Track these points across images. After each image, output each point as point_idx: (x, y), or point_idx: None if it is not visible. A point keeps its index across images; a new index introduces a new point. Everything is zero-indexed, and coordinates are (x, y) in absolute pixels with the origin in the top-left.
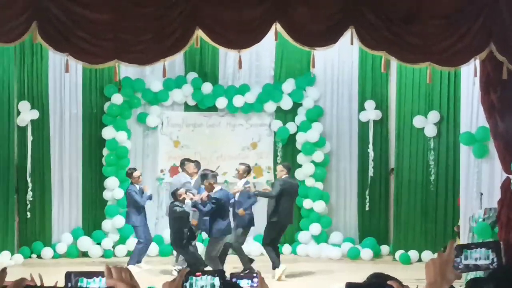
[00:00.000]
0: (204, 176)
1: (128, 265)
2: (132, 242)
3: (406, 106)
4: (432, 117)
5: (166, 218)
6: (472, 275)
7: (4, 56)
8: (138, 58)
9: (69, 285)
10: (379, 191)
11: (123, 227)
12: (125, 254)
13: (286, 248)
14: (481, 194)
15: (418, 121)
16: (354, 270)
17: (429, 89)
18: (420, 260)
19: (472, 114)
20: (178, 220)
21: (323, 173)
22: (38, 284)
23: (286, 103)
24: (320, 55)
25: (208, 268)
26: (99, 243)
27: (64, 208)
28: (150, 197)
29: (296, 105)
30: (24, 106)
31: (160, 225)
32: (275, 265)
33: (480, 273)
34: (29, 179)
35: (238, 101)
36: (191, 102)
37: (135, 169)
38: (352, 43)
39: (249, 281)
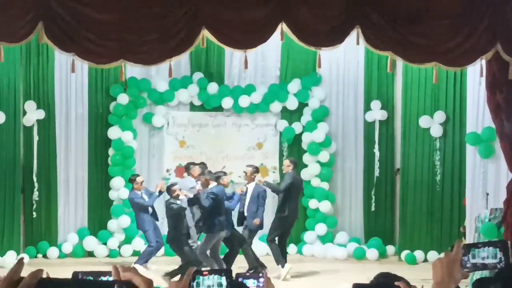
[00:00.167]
0: (217, 178)
1: (135, 264)
2: (137, 242)
3: (412, 106)
4: (438, 117)
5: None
6: (478, 275)
7: (10, 56)
8: (143, 58)
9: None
10: (384, 191)
11: (129, 227)
12: (131, 254)
13: (292, 248)
14: (487, 194)
15: (424, 121)
16: (360, 270)
17: (435, 89)
18: (425, 260)
19: (478, 114)
20: (175, 217)
21: (328, 173)
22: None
23: (292, 103)
24: (326, 55)
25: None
26: (105, 243)
27: (70, 208)
28: (160, 193)
29: (302, 105)
30: (30, 106)
31: (165, 225)
32: (280, 263)
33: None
34: (35, 179)
35: (244, 101)
36: (197, 102)
37: (138, 175)
38: (358, 43)
39: (255, 281)
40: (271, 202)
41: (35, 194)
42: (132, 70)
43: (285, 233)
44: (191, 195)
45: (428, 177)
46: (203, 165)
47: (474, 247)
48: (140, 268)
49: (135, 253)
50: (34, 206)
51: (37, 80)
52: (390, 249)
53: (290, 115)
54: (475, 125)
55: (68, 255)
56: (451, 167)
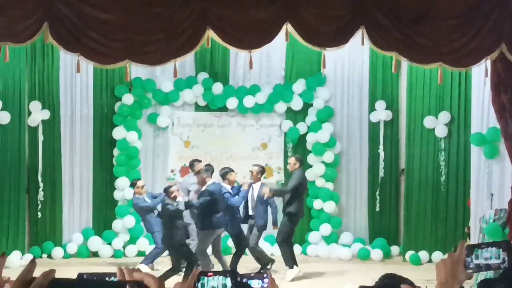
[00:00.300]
0: (224, 175)
1: (140, 264)
2: (142, 242)
3: (416, 106)
4: (443, 117)
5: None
6: (482, 275)
7: (15, 56)
8: (148, 58)
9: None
10: (389, 192)
11: (134, 227)
12: (135, 254)
13: (296, 249)
14: (492, 195)
15: (428, 122)
16: (364, 271)
17: (440, 90)
18: (430, 261)
19: (483, 115)
20: (170, 218)
21: (333, 173)
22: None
23: (297, 104)
24: (331, 55)
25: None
26: (109, 243)
27: (74, 208)
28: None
29: (307, 105)
30: (35, 106)
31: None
32: (290, 264)
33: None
34: (40, 179)
35: (249, 101)
36: (202, 103)
37: (138, 179)
38: (362, 44)
39: (260, 281)
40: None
41: (40, 194)
42: (137, 70)
43: (292, 234)
44: (188, 198)
45: (432, 177)
46: (209, 166)
47: (477, 247)
48: (145, 269)
49: (139, 253)
50: (39, 206)
51: (42, 80)
52: (395, 249)
53: (295, 116)
54: (479, 125)
55: (73, 255)
56: (456, 167)
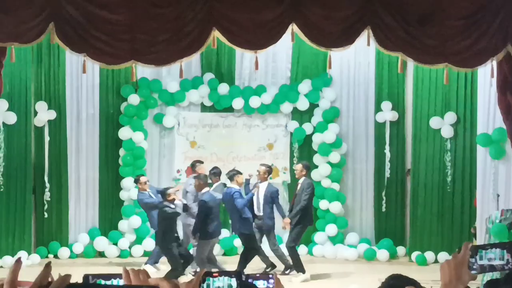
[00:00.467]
0: (232, 177)
1: (145, 264)
2: (148, 242)
3: (422, 107)
4: (449, 118)
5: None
6: (489, 276)
7: (22, 56)
8: (154, 58)
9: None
10: (395, 192)
11: (140, 228)
12: (142, 254)
13: (302, 249)
14: (498, 195)
15: (434, 122)
16: (370, 271)
17: (446, 90)
18: (436, 261)
19: (489, 115)
20: (167, 220)
21: (339, 174)
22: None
23: (303, 104)
24: (337, 56)
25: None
26: (115, 243)
27: (80, 208)
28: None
29: (313, 106)
30: (41, 106)
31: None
32: (300, 270)
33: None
34: (46, 179)
35: (255, 102)
36: (208, 103)
37: (141, 175)
38: (368, 44)
39: (265, 282)
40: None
41: (46, 195)
42: (143, 70)
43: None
44: (185, 201)
45: (438, 178)
46: (216, 169)
47: (481, 248)
48: (150, 269)
49: (145, 253)
50: (45, 207)
51: (48, 80)
52: (401, 250)
53: (301, 116)
54: (486, 126)
55: (79, 255)
56: (462, 168)
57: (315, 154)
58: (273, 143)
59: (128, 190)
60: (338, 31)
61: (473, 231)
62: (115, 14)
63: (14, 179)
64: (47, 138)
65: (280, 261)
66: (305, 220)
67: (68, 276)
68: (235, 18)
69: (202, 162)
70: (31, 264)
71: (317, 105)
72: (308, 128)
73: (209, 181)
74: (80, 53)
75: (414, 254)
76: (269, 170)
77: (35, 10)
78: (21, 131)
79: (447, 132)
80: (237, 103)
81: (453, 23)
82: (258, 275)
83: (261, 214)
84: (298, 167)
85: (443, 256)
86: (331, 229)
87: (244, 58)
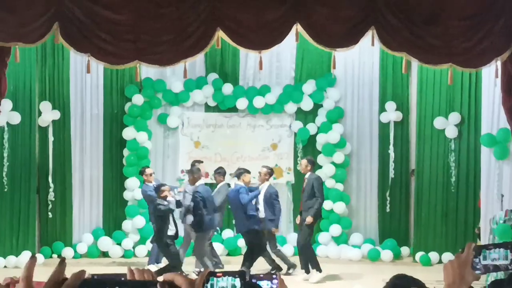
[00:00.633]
0: (239, 175)
1: (148, 265)
2: None
3: (427, 107)
4: (453, 118)
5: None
6: (492, 277)
7: (26, 56)
8: (159, 59)
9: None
10: (399, 193)
11: (144, 228)
12: (145, 254)
13: None
14: (502, 195)
15: (439, 123)
16: (374, 272)
17: (450, 91)
18: (440, 261)
19: (493, 116)
20: (161, 218)
21: (343, 174)
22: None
23: (307, 104)
24: (341, 56)
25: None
26: (119, 243)
27: (85, 208)
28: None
29: (317, 106)
30: (45, 106)
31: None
32: (317, 267)
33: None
34: (50, 180)
35: (259, 102)
36: (212, 103)
37: (147, 167)
38: (373, 44)
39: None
40: (286, 203)
41: (51, 195)
42: (147, 70)
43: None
44: (178, 197)
45: (443, 178)
46: (220, 169)
47: (485, 248)
48: (153, 269)
49: (149, 253)
50: (49, 207)
51: (53, 80)
52: (405, 250)
53: (305, 116)
54: (490, 126)
55: (83, 255)
56: (466, 168)
57: (319, 155)
58: (277, 143)
59: (132, 190)
60: (342, 31)
61: (477, 231)
62: (119, 14)
63: (18, 179)
64: (51, 138)
65: (283, 262)
66: (319, 218)
67: (83, 272)
68: (239, 18)
69: (201, 162)
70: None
71: (321, 105)
72: (312, 128)
73: (214, 181)
74: (84, 53)
75: (418, 255)
76: (271, 172)
77: (39, 10)
78: (25, 131)
79: (451, 132)
80: (241, 103)
81: (457, 23)
82: (262, 275)
83: (263, 216)
84: (303, 162)
85: (447, 256)
86: (335, 229)
87: (248, 58)
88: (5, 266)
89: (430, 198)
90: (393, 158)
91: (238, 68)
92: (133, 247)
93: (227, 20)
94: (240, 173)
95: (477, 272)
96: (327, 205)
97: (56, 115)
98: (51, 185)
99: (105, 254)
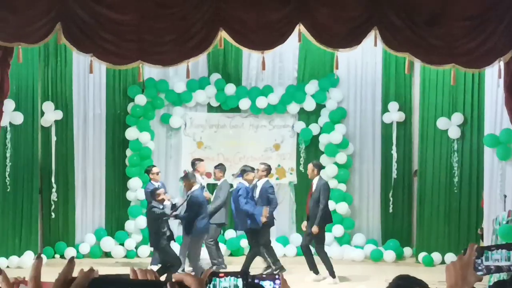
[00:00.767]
0: (243, 172)
1: (151, 265)
2: None
3: (429, 108)
4: (456, 119)
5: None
6: (496, 277)
7: (29, 57)
8: (161, 59)
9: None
10: (402, 193)
11: (146, 228)
12: (148, 254)
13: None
14: (505, 196)
15: (441, 123)
16: (377, 272)
17: (453, 91)
18: (443, 262)
19: (496, 116)
20: (156, 222)
21: (346, 174)
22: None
23: (309, 105)
24: (344, 56)
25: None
26: (122, 244)
27: (87, 209)
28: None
29: (319, 106)
30: (48, 106)
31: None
32: (333, 273)
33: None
34: (53, 180)
35: (261, 102)
36: (214, 103)
37: (153, 166)
38: (375, 45)
39: (272, 282)
40: (289, 203)
41: (53, 195)
42: (150, 71)
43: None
44: (174, 201)
45: (445, 178)
46: (221, 166)
47: (487, 249)
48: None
49: (152, 254)
50: (52, 207)
51: (55, 81)
52: (408, 251)
53: (308, 116)
54: (493, 127)
55: (86, 255)
56: (469, 169)
57: (322, 155)
58: (279, 144)
59: (135, 191)
60: (345, 32)
61: (480, 232)
62: (122, 14)
63: (21, 179)
64: (54, 138)
65: (263, 258)
66: (324, 220)
67: (92, 271)
68: (242, 19)
69: (202, 160)
70: None
71: (324, 106)
72: (315, 128)
73: (213, 176)
74: (87, 53)
75: (421, 255)
76: (268, 169)
77: (42, 10)
78: (28, 131)
79: (454, 133)
80: (244, 103)
81: (460, 24)
82: (264, 275)
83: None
84: (309, 167)
85: (450, 257)
86: (338, 229)
87: (251, 58)
88: (7, 266)
89: (433, 199)
90: (395, 159)
91: (241, 69)
92: (136, 248)
93: (230, 21)
94: (244, 170)
95: (479, 273)
96: (330, 205)
97: (59, 115)
98: (54, 185)
99: (107, 255)
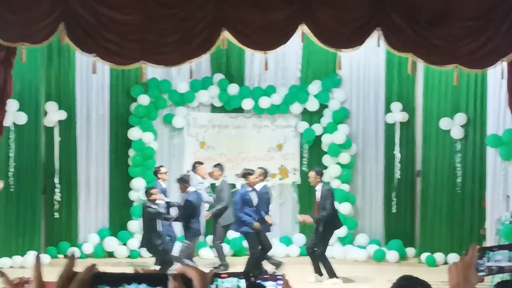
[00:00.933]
0: (245, 174)
1: (154, 265)
2: None
3: (432, 108)
4: (459, 119)
5: None
6: (498, 278)
7: (32, 57)
8: (164, 59)
9: None
10: (405, 193)
11: None
12: (151, 254)
13: None
14: (508, 196)
15: (444, 123)
16: (380, 272)
17: (456, 91)
18: (446, 262)
19: (499, 117)
20: (150, 221)
21: (349, 175)
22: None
23: (312, 105)
24: (347, 56)
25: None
26: (125, 244)
27: (90, 209)
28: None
29: (322, 106)
30: (51, 106)
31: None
32: (334, 274)
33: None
34: (56, 180)
35: (264, 102)
36: (217, 103)
37: (161, 166)
38: (378, 45)
39: (274, 283)
40: (292, 203)
41: (57, 195)
42: (153, 71)
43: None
44: (167, 200)
45: (448, 179)
46: (220, 166)
47: (489, 250)
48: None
49: None
50: (56, 207)
51: (59, 81)
52: (410, 251)
53: (311, 117)
54: (496, 127)
55: (89, 255)
56: (472, 169)
57: (325, 155)
58: (282, 144)
59: (138, 191)
60: (348, 32)
61: (483, 232)
62: (125, 14)
63: (24, 179)
64: (57, 139)
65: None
66: (329, 226)
67: (94, 267)
68: (245, 19)
69: (202, 163)
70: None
71: (327, 106)
72: (317, 129)
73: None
74: (90, 54)
75: (424, 255)
76: (264, 172)
77: (45, 10)
78: (31, 131)
79: (457, 133)
80: (247, 103)
81: (463, 24)
82: (266, 276)
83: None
84: (312, 174)
85: (453, 257)
86: (341, 230)
87: (254, 58)
88: (11, 266)
89: (436, 199)
90: (398, 159)
91: (244, 69)
92: (139, 248)
93: (233, 21)
94: (245, 173)
95: (481, 273)
96: None
97: (62, 115)
98: (57, 185)
99: (110, 254)
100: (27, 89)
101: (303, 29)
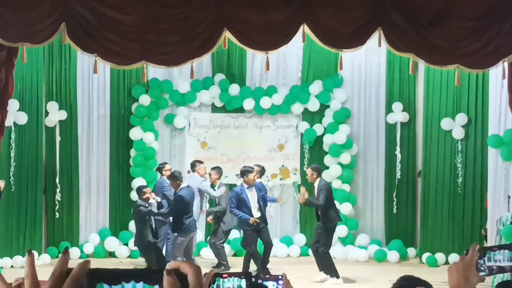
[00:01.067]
0: (244, 172)
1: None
2: None
3: (433, 108)
4: (460, 119)
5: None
6: (500, 278)
7: (33, 57)
8: (165, 59)
9: None
10: (406, 194)
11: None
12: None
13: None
14: (509, 197)
15: (445, 124)
16: (381, 273)
17: (457, 92)
18: (447, 263)
19: (500, 117)
20: (142, 220)
21: (350, 175)
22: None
23: (313, 105)
24: (348, 57)
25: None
26: (126, 244)
27: (91, 209)
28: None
29: (323, 106)
30: (52, 106)
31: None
32: (336, 274)
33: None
34: (57, 180)
35: (265, 102)
36: (219, 104)
37: (166, 163)
38: (379, 45)
39: (275, 283)
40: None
41: (57, 195)
42: (154, 71)
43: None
44: (159, 199)
45: (449, 179)
46: (218, 169)
47: (489, 250)
48: None
49: None
50: (56, 207)
51: (60, 81)
52: (411, 251)
53: (312, 117)
54: (497, 127)
55: (90, 255)
56: (473, 169)
57: (326, 155)
58: (283, 144)
59: None
60: (349, 32)
61: (484, 232)
62: (126, 14)
63: (25, 179)
64: (58, 139)
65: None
66: (328, 222)
67: (88, 262)
68: (246, 19)
69: (202, 162)
70: (41, 264)
71: (328, 106)
72: (319, 129)
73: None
74: (91, 54)
75: (425, 256)
76: (261, 170)
77: (46, 10)
78: (32, 131)
79: (458, 133)
80: (248, 103)
81: (464, 24)
82: (267, 276)
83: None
84: (308, 172)
85: (454, 257)
86: (342, 230)
87: (255, 58)
88: (11, 266)
89: (437, 199)
90: (399, 159)
91: (245, 69)
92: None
93: (234, 21)
94: (246, 171)
95: (482, 273)
96: None
97: (63, 115)
98: (58, 185)
99: (111, 254)
100: (28, 89)
101: (304, 29)
